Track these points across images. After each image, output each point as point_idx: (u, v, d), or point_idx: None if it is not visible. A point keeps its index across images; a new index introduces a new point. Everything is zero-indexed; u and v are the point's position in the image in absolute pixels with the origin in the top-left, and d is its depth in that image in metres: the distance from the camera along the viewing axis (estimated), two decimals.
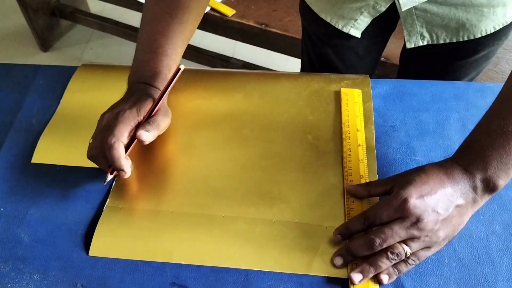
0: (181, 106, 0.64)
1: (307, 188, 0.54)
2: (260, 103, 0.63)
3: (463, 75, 0.76)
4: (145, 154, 0.58)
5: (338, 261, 0.47)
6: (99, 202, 0.55)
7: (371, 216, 0.46)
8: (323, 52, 0.83)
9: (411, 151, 0.57)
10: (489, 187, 0.45)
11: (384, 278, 0.46)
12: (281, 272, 0.48)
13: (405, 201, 0.44)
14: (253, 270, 0.48)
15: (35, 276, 0.49)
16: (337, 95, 0.63)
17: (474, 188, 0.46)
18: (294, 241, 0.50)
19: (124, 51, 1.88)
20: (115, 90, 0.64)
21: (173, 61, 0.58)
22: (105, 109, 0.55)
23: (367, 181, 0.54)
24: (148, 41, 0.58)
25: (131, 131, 0.53)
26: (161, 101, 0.53)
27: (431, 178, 0.46)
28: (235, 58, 1.61)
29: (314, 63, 0.88)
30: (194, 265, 0.49)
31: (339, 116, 0.61)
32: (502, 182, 0.45)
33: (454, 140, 0.58)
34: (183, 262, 0.49)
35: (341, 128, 0.59)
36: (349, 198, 0.52)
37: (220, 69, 0.69)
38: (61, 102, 0.66)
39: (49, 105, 0.65)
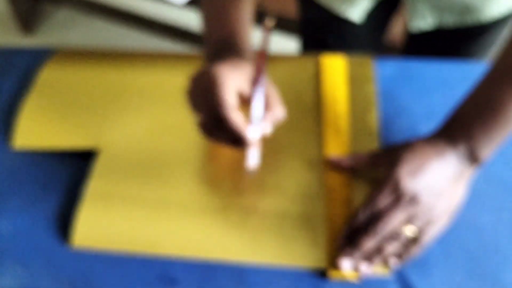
0: (167, 85, 0.60)
1: (305, 176, 0.51)
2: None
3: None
4: (131, 135, 0.55)
5: (346, 264, 0.44)
6: (80, 190, 0.51)
7: (369, 207, 0.45)
8: (322, 39, 0.79)
9: (417, 136, 0.54)
10: (473, 157, 0.45)
11: (393, 261, 0.45)
12: (276, 266, 0.46)
13: (397, 183, 0.45)
14: (247, 263, 0.46)
15: (16, 269, 0.46)
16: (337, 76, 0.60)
17: (460, 158, 0.46)
18: (291, 231, 0.47)
19: (110, 35, 1.83)
20: (94, 68, 0.63)
21: (245, 15, 0.52)
22: (84, 87, 0.52)
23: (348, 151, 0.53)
24: (212, 14, 0.53)
25: (240, 90, 0.45)
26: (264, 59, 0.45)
27: (417, 155, 0.46)
28: None
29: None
30: (185, 258, 0.46)
31: (344, 98, 0.58)
32: (485, 153, 0.45)
33: None
34: (172, 252, 0.46)
35: (319, 104, 0.57)
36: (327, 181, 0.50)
37: None
38: (37, 81, 0.62)
39: (27, 89, 0.61)
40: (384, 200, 0.45)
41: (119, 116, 0.57)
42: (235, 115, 0.43)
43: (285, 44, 1.44)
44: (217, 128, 0.45)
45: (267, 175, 0.51)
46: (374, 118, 0.56)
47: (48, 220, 0.50)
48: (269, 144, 0.53)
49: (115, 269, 0.46)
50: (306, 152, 0.53)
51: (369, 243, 0.44)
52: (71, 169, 0.54)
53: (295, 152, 0.53)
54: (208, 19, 0.54)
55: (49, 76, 0.63)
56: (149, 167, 0.53)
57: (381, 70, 0.61)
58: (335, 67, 0.60)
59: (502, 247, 0.46)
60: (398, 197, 0.44)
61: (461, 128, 0.46)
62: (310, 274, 0.45)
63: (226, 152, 0.53)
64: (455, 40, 0.70)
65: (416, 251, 0.45)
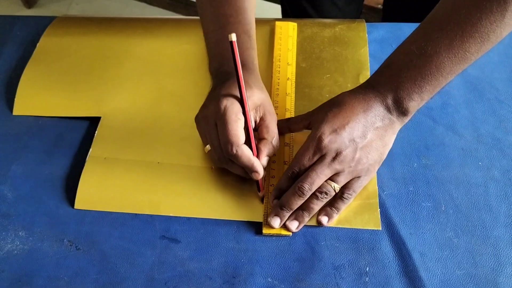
0: (166, 51, 0.61)
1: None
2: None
3: None
4: (130, 101, 0.56)
5: (275, 221, 0.45)
6: (85, 154, 0.52)
7: (294, 166, 0.45)
8: (300, 7, 0.79)
9: None
10: (401, 108, 0.45)
11: (323, 219, 0.46)
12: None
13: (319, 139, 0.44)
14: (244, 221, 0.47)
15: (20, 233, 0.47)
16: (331, 41, 0.60)
17: (388, 109, 0.45)
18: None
19: (110, 6, 1.81)
20: (93, 35, 0.63)
21: (248, 25, 0.52)
22: (83, 52, 0.50)
23: (293, 115, 0.53)
24: (214, 19, 0.52)
25: (242, 125, 0.45)
26: (242, 81, 0.44)
27: (342, 109, 0.45)
28: None
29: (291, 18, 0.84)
30: (184, 218, 0.47)
31: (334, 63, 0.58)
32: (414, 104, 0.44)
33: (453, 85, 0.56)
34: (172, 215, 0.47)
35: (271, 65, 0.58)
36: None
37: None
38: (37, 46, 0.62)
39: (28, 57, 0.61)
40: (308, 159, 0.45)
41: (118, 82, 0.58)
42: (243, 151, 0.44)
43: (278, 14, 1.43)
44: (231, 163, 0.46)
45: None
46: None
47: (52, 185, 0.51)
48: None
49: (117, 230, 0.47)
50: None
51: (295, 202, 0.45)
52: (77, 134, 0.55)
53: None
54: (207, 20, 0.53)
55: (47, 43, 0.63)
56: (148, 132, 0.53)
57: (371, 33, 0.61)
58: (288, 33, 0.61)
59: (492, 204, 0.47)
60: (322, 155, 0.44)
61: (389, 78, 0.45)
62: (305, 228, 0.46)
63: None
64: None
65: (343, 206, 0.46)
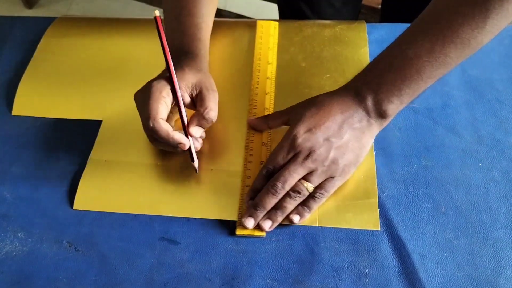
0: None
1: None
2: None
3: None
4: (132, 103, 0.55)
5: (249, 222, 0.45)
6: (84, 156, 0.52)
7: (269, 164, 0.46)
8: (297, 7, 0.79)
9: None
10: (380, 110, 0.44)
11: (295, 218, 0.45)
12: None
13: (294, 138, 0.44)
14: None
15: (19, 234, 0.47)
16: (331, 41, 0.60)
17: (367, 111, 0.45)
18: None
19: (111, 6, 1.81)
20: (94, 37, 0.63)
21: (200, 19, 0.52)
22: (84, 54, 0.51)
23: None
24: (169, 11, 0.53)
25: (167, 102, 0.46)
26: (168, 55, 0.46)
27: (320, 109, 0.45)
28: (227, 11, 1.56)
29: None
30: (184, 219, 0.47)
31: (334, 63, 0.58)
32: (393, 106, 0.44)
33: (453, 86, 0.56)
34: (171, 215, 0.47)
35: (252, 64, 0.58)
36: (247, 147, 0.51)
37: None
38: (38, 47, 0.63)
39: (28, 58, 0.62)
40: (282, 157, 0.45)
41: (119, 84, 0.58)
42: (160, 124, 0.44)
43: (267, 10, 1.42)
44: (154, 139, 0.46)
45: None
46: None
47: (51, 186, 0.50)
48: None
49: (117, 231, 0.47)
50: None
51: (268, 201, 0.45)
52: (76, 134, 0.54)
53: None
54: (165, 12, 0.54)
55: (48, 44, 0.63)
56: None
57: (371, 34, 0.61)
58: (269, 32, 0.61)
59: (492, 205, 0.47)
60: (296, 153, 0.44)
61: (370, 81, 0.45)
62: (306, 229, 0.46)
63: (221, 119, 0.54)
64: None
65: (315, 206, 0.45)
